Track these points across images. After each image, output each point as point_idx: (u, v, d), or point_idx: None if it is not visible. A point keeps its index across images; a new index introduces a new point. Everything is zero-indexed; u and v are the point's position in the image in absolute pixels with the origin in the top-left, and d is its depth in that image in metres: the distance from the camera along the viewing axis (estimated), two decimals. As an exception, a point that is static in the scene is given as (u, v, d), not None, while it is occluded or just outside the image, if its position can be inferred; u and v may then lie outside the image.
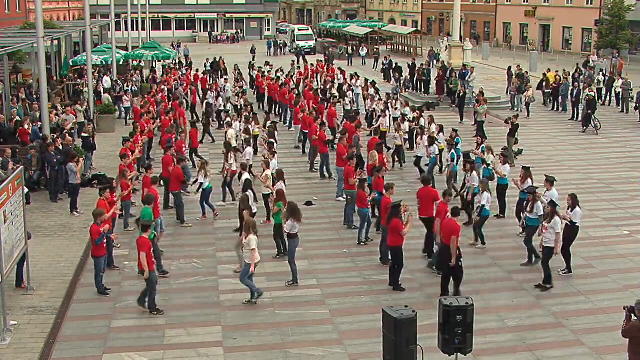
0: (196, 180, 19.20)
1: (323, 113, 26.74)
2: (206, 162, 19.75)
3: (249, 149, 20.79)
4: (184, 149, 22.01)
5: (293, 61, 48.01)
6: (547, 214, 14.53)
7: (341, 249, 16.82)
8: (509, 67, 40.46)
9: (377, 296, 14.17)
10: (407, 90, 39.75)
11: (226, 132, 24.11)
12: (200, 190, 18.91)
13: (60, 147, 20.52)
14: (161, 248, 16.71)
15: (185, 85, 35.76)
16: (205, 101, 30.12)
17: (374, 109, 28.83)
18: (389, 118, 26.64)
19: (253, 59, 56.22)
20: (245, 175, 17.69)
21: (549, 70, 39.83)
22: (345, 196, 18.93)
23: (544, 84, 37.24)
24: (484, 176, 19.86)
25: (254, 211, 15.96)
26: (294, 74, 45.09)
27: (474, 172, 18.05)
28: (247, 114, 26.35)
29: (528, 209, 15.62)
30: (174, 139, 22.12)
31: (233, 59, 52.17)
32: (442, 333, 10.06)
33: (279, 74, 38.22)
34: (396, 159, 23.97)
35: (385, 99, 29.70)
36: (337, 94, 33.25)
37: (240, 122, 25.30)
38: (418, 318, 9.91)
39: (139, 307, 13.41)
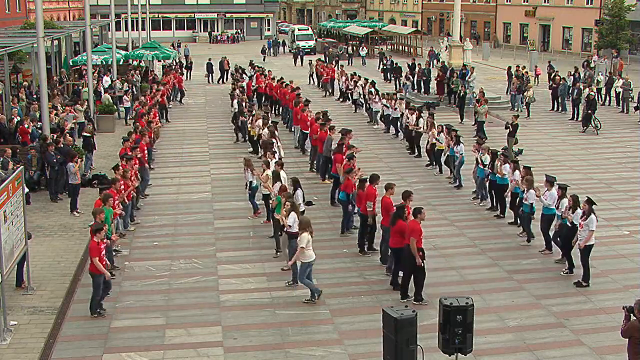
0: (249, 184, 19.03)
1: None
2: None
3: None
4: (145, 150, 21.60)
5: (310, 60, 48.07)
6: (583, 211, 14.62)
7: (341, 249, 16.81)
8: (509, 67, 40.54)
9: (377, 296, 14.18)
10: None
11: (260, 132, 24.05)
12: (250, 187, 18.88)
13: (61, 147, 20.50)
14: (161, 248, 16.78)
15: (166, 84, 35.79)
16: (236, 99, 30.06)
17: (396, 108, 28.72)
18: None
19: (264, 60, 56.31)
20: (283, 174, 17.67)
21: (524, 67, 40.63)
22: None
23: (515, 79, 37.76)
24: (479, 176, 19.90)
25: (301, 209, 15.88)
26: (312, 72, 45.30)
27: (517, 171, 17.99)
28: (265, 114, 26.34)
29: (555, 205, 15.80)
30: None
31: (233, 58, 52.15)
32: (442, 333, 10.07)
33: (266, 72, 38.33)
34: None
35: (386, 98, 29.73)
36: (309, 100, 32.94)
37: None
38: (418, 318, 9.92)
39: (95, 312, 13.28)
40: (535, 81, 41.84)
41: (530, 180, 16.84)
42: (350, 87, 36.81)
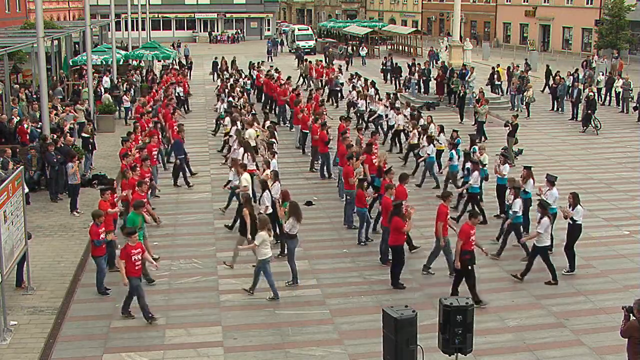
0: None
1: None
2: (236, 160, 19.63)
3: (242, 150, 20.58)
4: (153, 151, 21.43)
5: (305, 60, 48.01)
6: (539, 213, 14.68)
7: (341, 249, 16.82)
8: (509, 67, 40.56)
9: (377, 296, 14.18)
10: (407, 90, 39.73)
11: (243, 132, 23.92)
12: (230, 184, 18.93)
13: (61, 147, 20.49)
14: (161, 248, 16.75)
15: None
16: (220, 101, 30.14)
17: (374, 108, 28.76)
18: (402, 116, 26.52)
19: (270, 60, 56.24)
20: (246, 175, 17.71)
21: (498, 65, 41.30)
22: (345, 196, 18.90)
23: (495, 76, 38.61)
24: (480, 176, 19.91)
25: (269, 211, 15.93)
26: (303, 72, 45.24)
27: (475, 172, 18.06)
28: (247, 114, 26.29)
29: (510, 204, 15.97)
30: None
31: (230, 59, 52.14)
32: (442, 333, 10.06)
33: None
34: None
35: (386, 98, 29.70)
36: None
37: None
38: (418, 318, 9.92)
39: (128, 313, 13.19)
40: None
41: (517, 188, 16.28)
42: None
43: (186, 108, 35.45)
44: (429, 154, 21.56)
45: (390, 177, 17.01)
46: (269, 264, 13.81)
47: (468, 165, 19.14)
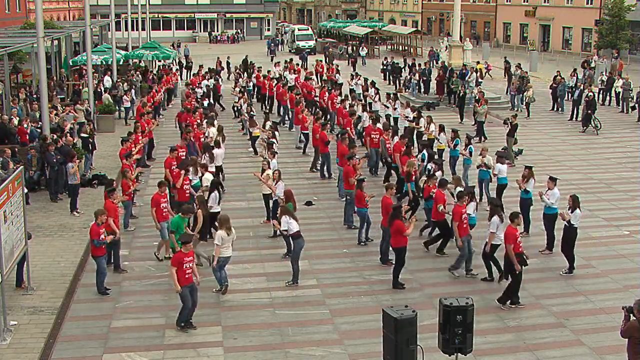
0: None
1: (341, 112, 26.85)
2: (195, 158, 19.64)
3: (205, 156, 20.50)
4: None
5: (287, 60, 47.99)
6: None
7: (341, 249, 16.81)
8: (509, 67, 40.60)
9: (377, 296, 14.18)
10: (407, 90, 39.72)
11: (207, 131, 23.75)
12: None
13: (61, 147, 20.48)
14: (161, 248, 16.75)
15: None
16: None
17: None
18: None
19: (272, 60, 56.22)
20: (208, 175, 17.87)
21: (477, 62, 42.35)
22: (345, 196, 18.88)
23: (477, 74, 38.78)
24: (481, 177, 19.90)
25: (215, 210, 16.10)
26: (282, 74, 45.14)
27: (438, 172, 18.05)
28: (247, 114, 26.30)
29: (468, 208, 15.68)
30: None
31: (233, 59, 52.15)
32: (442, 333, 10.06)
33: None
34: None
35: (386, 98, 29.69)
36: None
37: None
38: (418, 318, 9.92)
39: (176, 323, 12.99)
40: (488, 76, 43.53)
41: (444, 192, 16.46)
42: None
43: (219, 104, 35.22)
44: None
45: (433, 182, 17.02)
46: (226, 263, 13.98)
47: (430, 165, 19.07)
